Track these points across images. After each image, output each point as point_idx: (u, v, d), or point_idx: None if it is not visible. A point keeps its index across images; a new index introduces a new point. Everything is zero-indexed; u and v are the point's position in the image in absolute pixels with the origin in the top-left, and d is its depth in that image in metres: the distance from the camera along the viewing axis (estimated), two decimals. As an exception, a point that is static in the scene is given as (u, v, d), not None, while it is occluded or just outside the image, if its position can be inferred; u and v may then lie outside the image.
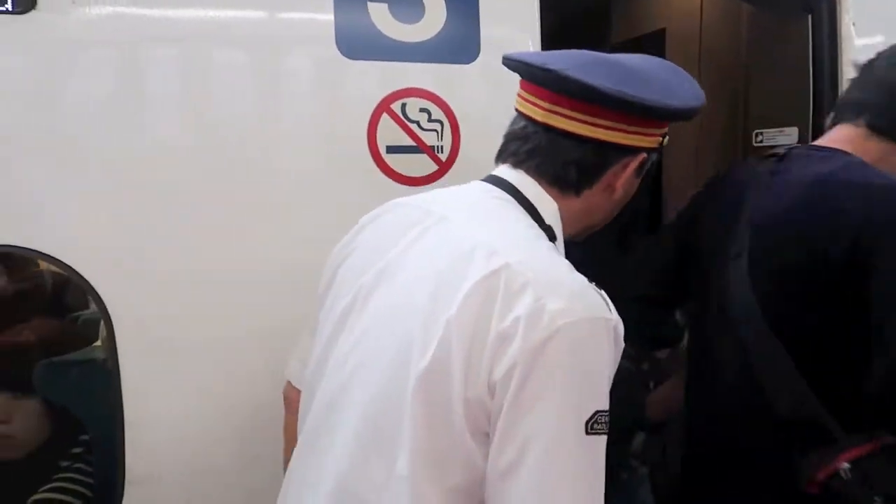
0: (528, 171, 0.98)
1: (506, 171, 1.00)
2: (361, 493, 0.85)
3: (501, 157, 1.03)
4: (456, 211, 0.96)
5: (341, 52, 1.37)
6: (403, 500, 0.81)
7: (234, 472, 1.38)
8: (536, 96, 0.96)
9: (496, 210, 0.96)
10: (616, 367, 0.84)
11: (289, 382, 1.18)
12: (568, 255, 0.95)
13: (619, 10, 2.86)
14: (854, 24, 1.78)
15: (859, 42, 1.78)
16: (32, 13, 1.22)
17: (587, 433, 0.79)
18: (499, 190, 0.98)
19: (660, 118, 0.97)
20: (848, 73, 1.78)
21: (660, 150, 1.02)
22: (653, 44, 2.62)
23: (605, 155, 0.97)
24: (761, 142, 2.05)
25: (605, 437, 0.81)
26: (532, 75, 0.97)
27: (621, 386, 1.39)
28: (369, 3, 1.38)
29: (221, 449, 1.37)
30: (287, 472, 1.00)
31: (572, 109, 0.93)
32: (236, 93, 1.34)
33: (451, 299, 0.82)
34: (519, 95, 1.02)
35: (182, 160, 1.32)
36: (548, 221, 0.97)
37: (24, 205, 1.25)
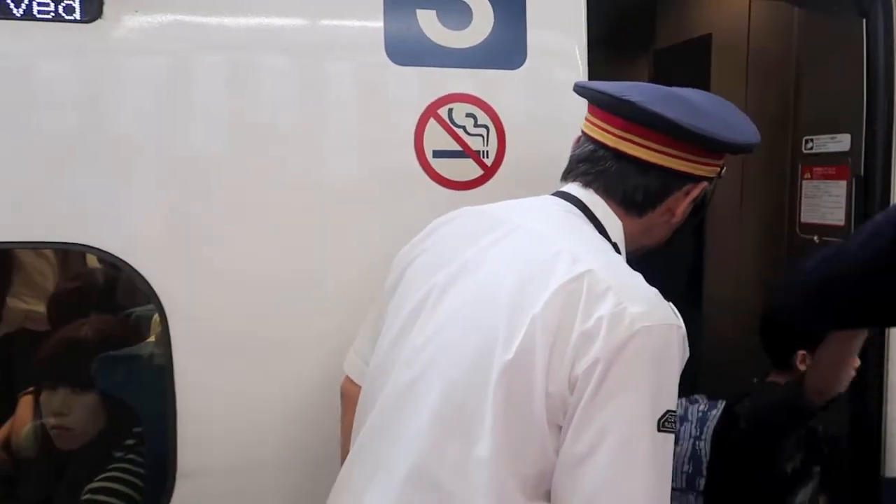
0: (596, 191, 1.06)
1: (576, 189, 1.08)
2: (438, 474, 0.90)
3: (570, 175, 1.11)
4: (532, 220, 1.03)
5: (390, 58, 1.40)
6: (482, 482, 0.86)
7: (281, 466, 1.41)
8: (609, 123, 1.04)
9: (570, 222, 1.03)
10: (682, 369, 0.90)
11: (347, 378, 1.22)
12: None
13: (664, 15, 2.84)
14: (911, 28, 1.74)
15: (916, 46, 1.74)
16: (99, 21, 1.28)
17: (659, 430, 0.85)
18: (570, 205, 1.06)
19: (722, 150, 1.05)
20: (904, 79, 1.75)
21: (719, 178, 1.09)
22: (699, 49, 2.59)
23: (670, 181, 1.05)
24: (811, 148, 2.01)
25: (672, 436, 0.88)
26: (608, 104, 1.04)
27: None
28: (418, 10, 1.40)
29: (269, 443, 1.40)
30: (351, 457, 1.04)
31: (644, 138, 1.02)
32: (289, 98, 1.38)
33: (536, 298, 0.89)
34: (588, 121, 1.10)
35: (237, 166, 1.36)
36: (613, 238, 1.05)
37: (86, 205, 1.30)
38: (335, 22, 1.41)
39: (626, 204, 1.05)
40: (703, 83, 2.62)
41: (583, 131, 1.11)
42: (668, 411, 0.86)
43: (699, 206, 1.11)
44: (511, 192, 1.46)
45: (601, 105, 1.06)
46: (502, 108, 1.46)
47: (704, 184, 1.07)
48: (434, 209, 1.36)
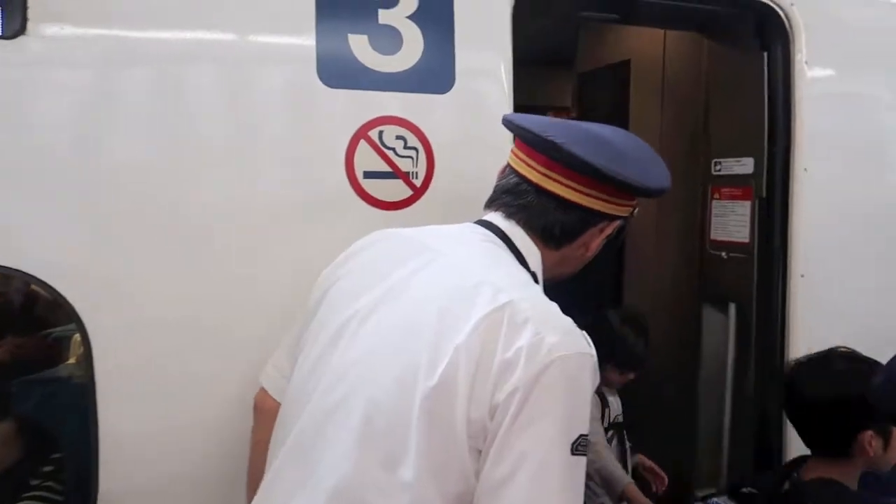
0: (518, 222, 1.11)
1: (498, 219, 1.13)
2: (362, 497, 0.92)
3: (493, 205, 1.15)
4: (454, 249, 1.07)
5: (322, 80, 1.42)
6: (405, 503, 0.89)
7: (203, 489, 1.40)
8: (534, 159, 1.10)
9: (492, 252, 1.08)
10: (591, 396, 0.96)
11: (263, 390, 1.22)
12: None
13: (586, 40, 2.97)
14: (806, 63, 1.90)
15: (811, 77, 1.90)
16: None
17: (572, 454, 0.90)
18: (492, 235, 1.11)
19: (638, 194, 1.12)
20: (800, 107, 1.90)
21: (631, 217, 1.17)
22: (618, 74, 2.73)
23: (587, 219, 1.11)
24: (720, 170, 2.15)
25: (585, 458, 0.93)
26: (533, 142, 1.09)
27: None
28: (350, 35, 1.44)
29: (191, 465, 1.39)
30: (269, 477, 1.04)
31: (566, 177, 1.07)
32: (220, 118, 1.39)
33: (458, 328, 0.92)
34: (514, 154, 1.15)
35: (163, 185, 1.35)
36: (532, 268, 1.10)
37: (6, 224, 1.27)
38: (267, 43, 1.43)
39: (545, 237, 1.11)
40: (622, 106, 2.76)
41: (509, 163, 1.16)
42: (580, 435, 0.91)
43: (612, 241, 1.18)
44: (439, 212, 1.52)
45: (526, 142, 1.11)
46: (431, 131, 1.51)
47: (618, 222, 1.15)
48: (365, 229, 1.39)
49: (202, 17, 1.37)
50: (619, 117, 2.77)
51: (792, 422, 1.68)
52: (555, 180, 1.08)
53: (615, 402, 2.22)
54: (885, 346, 2.05)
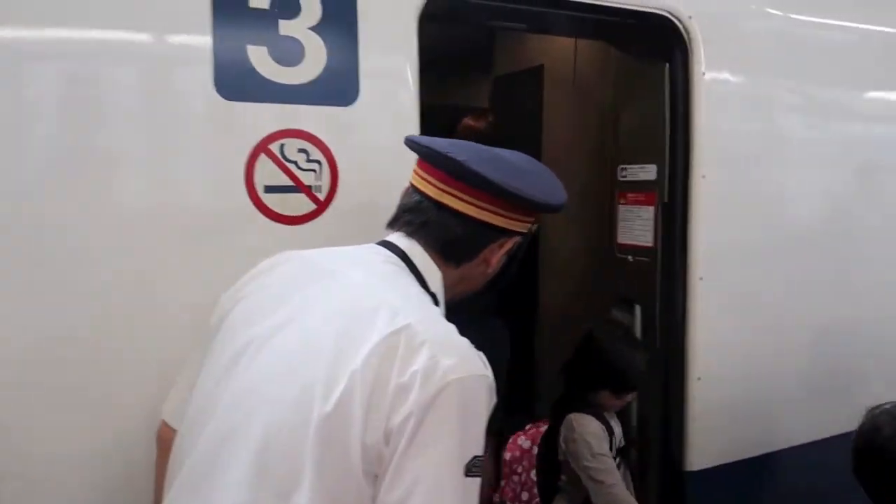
0: (418, 241, 1.12)
1: (399, 239, 1.13)
2: None
3: (395, 225, 1.16)
4: (354, 270, 1.06)
5: (220, 93, 1.39)
6: None
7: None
8: (433, 177, 1.11)
9: (391, 274, 1.08)
10: (489, 417, 0.97)
11: (164, 423, 1.19)
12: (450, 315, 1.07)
13: (502, 45, 3.00)
14: (704, 73, 1.98)
15: (708, 87, 1.98)
16: None
17: (466, 475, 0.92)
18: (393, 256, 1.11)
19: (535, 210, 1.14)
20: (699, 116, 1.98)
21: (530, 234, 1.19)
22: (532, 78, 2.77)
23: (486, 235, 1.13)
24: (625, 176, 2.22)
25: (479, 479, 0.94)
26: (434, 159, 1.11)
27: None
28: (249, 47, 1.40)
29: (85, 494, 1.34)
30: None
31: (464, 193, 1.09)
32: (116, 132, 1.33)
33: (355, 353, 0.92)
34: (416, 173, 1.16)
35: (56, 200, 1.30)
36: (432, 289, 1.11)
37: None
38: (161, 54, 1.38)
39: (445, 254, 1.12)
40: (536, 109, 2.80)
41: (411, 183, 1.17)
42: (475, 457, 0.92)
43: (512, 257, 1.19)
44: (344, 225, 1.51)
45: (427, 159, 1.13)
46: (335, 143, 1.50)
47: (518, 238, 1.16)
48: (267, 244, 1.38)
49: (97, 28, 1.32)
50: (533, 121, 2.82)
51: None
52: (453, 195, 1.09)
53: (617, 428, 1.99)
54: (781, 343, 2.20)
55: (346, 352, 0.92)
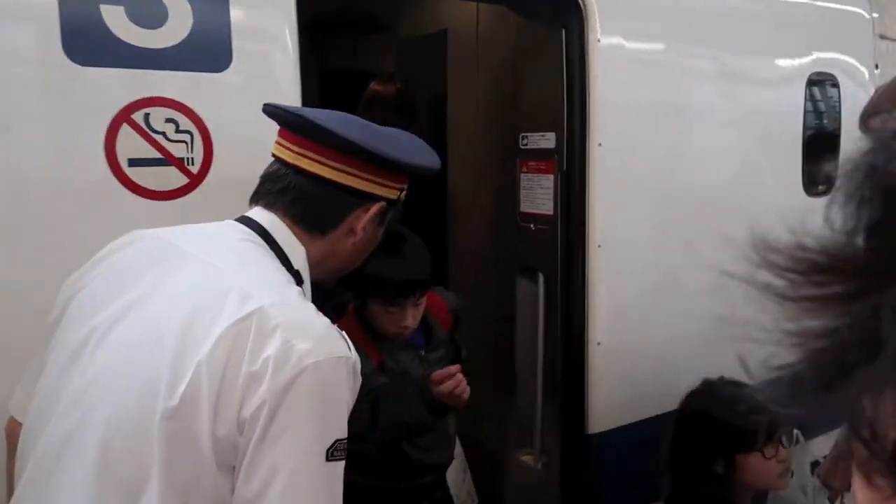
0: (277, 212, 1.06)
1: (258, 213, 1.07)
2: None
3: (255, 197, 1.10)
4: (209, 250, 1.00)
5: (70, 58, 1.27)
6: None
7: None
8: (289, 140, 1.06)
9: (248, 253, 1.02)
10: (355, 398, 0.94)
11: (12, 418, 1.10)
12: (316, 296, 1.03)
13: (405, 8, 2.91)
14: (599, 41, 1.97)
15: (604, 55, 1.97)
16: None
17: (327, 460, 0.88)
18: (251, 233, 1.04)
19: (399, 172, 1.10)
20: (595, 84, 1.98)
21: (398, 202, 1.14)
22: (436, 43, 2.70)
23: (347, 199, 1.07)
24: (526, 144, 2.21)
25: (343, 462, 0.91)
26: (287, 122, 1.06)
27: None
28: (102, 6, 1.29)
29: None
30: None
31: (321, 154, 1.04)
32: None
33: (202, 341, 0.86)
34: (276, 142, 1.10)
35: None
36: (296, 266, 1.05)
37: None
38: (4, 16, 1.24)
39: (308, 223, 1.06)
40: (440, 76, 2.74)
41: (272, 153, 1.11)
42: (337, 440, 0.89)
43: (385, 230, 1.15)
44: (223, 200, 1.42)
45: (280, 121, 1.08)
46: (208, 113, 1.40)
47: (383, 203, 1.10)
48: (134, 221, 1.28)
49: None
50: (438, 86, 2.76)
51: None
52: (310, 158, 1.04)
53: None
54: (678, 306, 2.26)
55: (192, 340, 0.87)
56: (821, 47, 2.50)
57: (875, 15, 2.72)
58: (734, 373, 1.63)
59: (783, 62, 2.44)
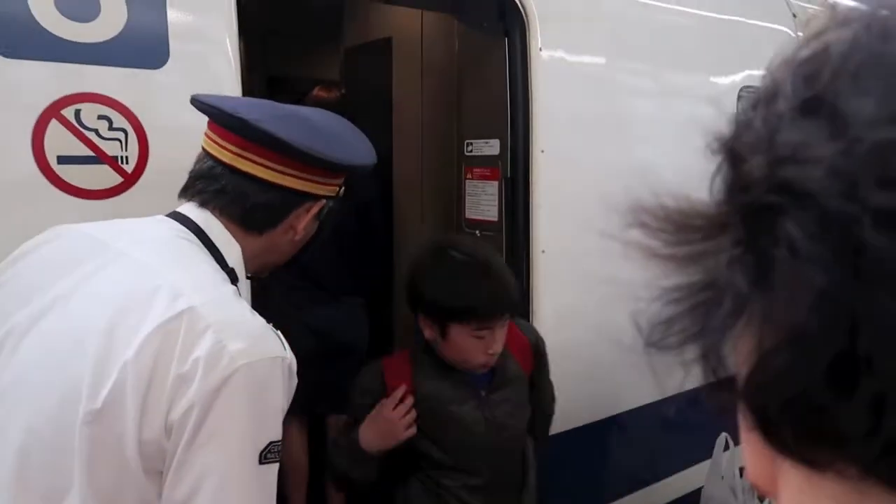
0: (213, 211, 1.03)
1: (191, 210, 1.03)
2: None
3: (187, 194, 1.06)
4: (138, 247, 0.95)
5: (-6, 49, 1.21)
6: None
7: None
8: (226, 140, 1.01)
9: (181, 250, 0.98)
10: (290, 399, 0.92)
11: None
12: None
13: (351, 15, 2.91)
14: (541, 49, 2.00)
15: (545, 64, 2.01)
16: None
17: (261, 462, 0.86)
18: (184, 230, 1.00)
19: (339, 171, 1.08)
20: (537, 92, 2.01)
21: (337, 197, 1.12)
22: (381, 50, 2.71)
23: (289, 200, 1.05)
24: (471, 151, 2.22)
25: (276, 465, 0.89)
26: (222, 120, 1.01)
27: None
28: (29, -4, 1.24)
29: None
30: None
31: (261, 156, 1.00)
32: None
33: (128, 341, 0.82)
34: (207, 136, 1.05)
35: None
36: (231, 264, 1.02)
37: None
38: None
39: (246, 224, 1.04)
40: (385, 82, 2.75)
41: (203, 147, 1.07)
42: (270, 442, 0.87)
43: (321, 223, 1.13)
44: (159, 199, 1.36)
45: (216, 121, 1.03)
46: (143, 111, 1.36)
47: (324, 202, 1.09)
48: (63, 220, 1.22)
49: None
50: (383, 93, 2.76)
51: None
52: (249, 160, 1.01)
53: None
54: (622, 310, 2.30)
55: (118, 340, 0.83)
56: (750, 64, 2.61)
57: (800, 34, 2.85)
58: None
59: (716, 77, 2.54)
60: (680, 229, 0.29)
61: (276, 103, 1.09)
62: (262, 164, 1.01)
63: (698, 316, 0.28)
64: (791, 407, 0.26)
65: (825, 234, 0.24)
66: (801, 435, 0.26)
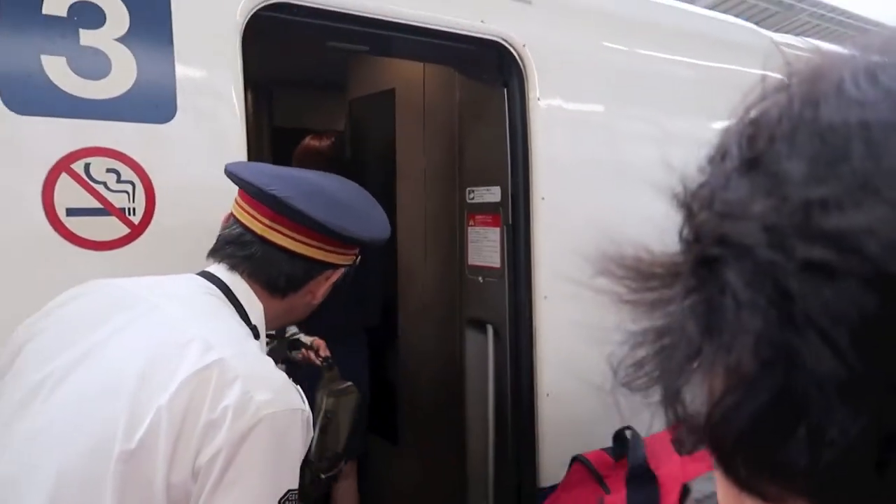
0: (241, 274, 1.11)
1: (220, 271, 1.11)
2: None
3: (216, 256, 1.14)
4: (170, 301, 1.02)
5: (8, 106, 1.26)
6: None
7: None
8: (258, 212, 1.10)
9: (210, 306, 1.05)
10: (306, 450, 0.97)
11: None
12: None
13: (355, 68, 2.99)
14: (539, 99, 2.05)
15: (543, 113, 2.05)
16: None
17: None
18: (213, 287, 1.08)
19: (360, 245, 1.18)
20: (535, 141, 2.05)
21: (354, 265, 1.22)
22: (385, 101, 2.77)
23: (312, 269, 1.14)
24: (473, 198, 2.25)
25: None
26: (256, 195, 1.09)
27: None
28: (43, 56, 1.29)
29: None
30: None
31: (289, 230, 1.09)
32: None
33: (163, 387, 0.88)
34: (238, 204, 1.14)
35: None
36: (254, 321, 1.10)
37: None
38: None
39: (271, 287, 1.12)
40: (389, 131, 2.80)
41: (232, 213, 1.14)
42: (289, 490, 0.92)
43: (338, 285, 1.21)
44: (162, 251, 1.41)
45: (249, 194, 1.11)
46: (151, 164, 1.40)
47: (342, 269, 1.19)
48: (71, 271, 1.28)
49: None
50: (387, 143, 2.82)
51: None
52: (280, 232, 1.09)
53: None
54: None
55: (152, 386, 0.88)
56: (748, 109, 2.66)
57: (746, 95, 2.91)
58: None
59: (714, 123, 2.58)
60: (642, 277, 0.32)
61: (301, 173, 1.19)
62: (290, 237, 1.09)
63: (661, 360, 0.30)
64: (741, 444, 0.27)
65: (759, 282, 0.26)
66: (752, 471, 0.28)
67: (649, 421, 0.36)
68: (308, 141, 2.67)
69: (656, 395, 0.31)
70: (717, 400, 0.28)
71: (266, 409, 0.89)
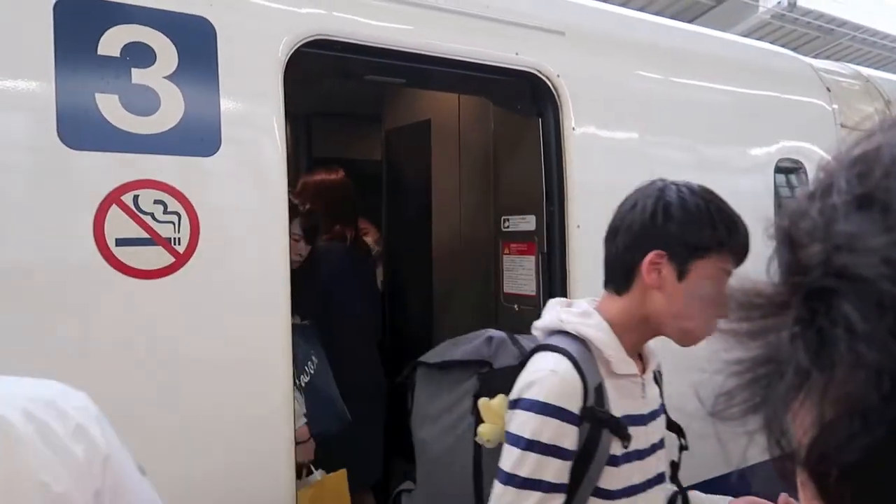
0: None
1: None
2: None
3: None
4: None
5: (64, 142, 1.32)
6: None
7: None
8: None
9: None
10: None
11: None
12: None
13: (391, 100, 3.05)
14: (574, 129, 2.06)
15: (578, 142, 2.06)
16: None
17: None
18: None
19: None
20: (570, 169, 2.06)
21: None
22: (421, 132, 2.82)
23: None
24: (508, 227, 2.27)
25: None
26: None
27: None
28: (97, 94, 1.35)
29: None
30: None
31: None
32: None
33: None
34: None
35: None
36: None
37: None
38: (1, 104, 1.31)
39: None
40: (425, 161, 2.84)
41: None
42: None
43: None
44: (206, 279, 1.45)
45: None
46: (196, 195, 1.45)
47: None
48: (119, 298, 1.31)
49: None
50: (423, 173, 2.86)
51: None
52: None
53: None
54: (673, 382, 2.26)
55: None
56: (785, 136, 2.63)
57: (835, 106, 2.88)
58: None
59: (752, 150, 2.56)
60: (741, 307, 0.32)
61: None
62: None
63: (759, 388, 0.30)
64: (851, 477, 0.27)
65: (881, 315, 0.26)
66: (861, 502, 0.28)
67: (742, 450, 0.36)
68: (319, 175, 2.63)
69: (751, 423, 0.31)
70: (826, 430, 0.28)
71: None
